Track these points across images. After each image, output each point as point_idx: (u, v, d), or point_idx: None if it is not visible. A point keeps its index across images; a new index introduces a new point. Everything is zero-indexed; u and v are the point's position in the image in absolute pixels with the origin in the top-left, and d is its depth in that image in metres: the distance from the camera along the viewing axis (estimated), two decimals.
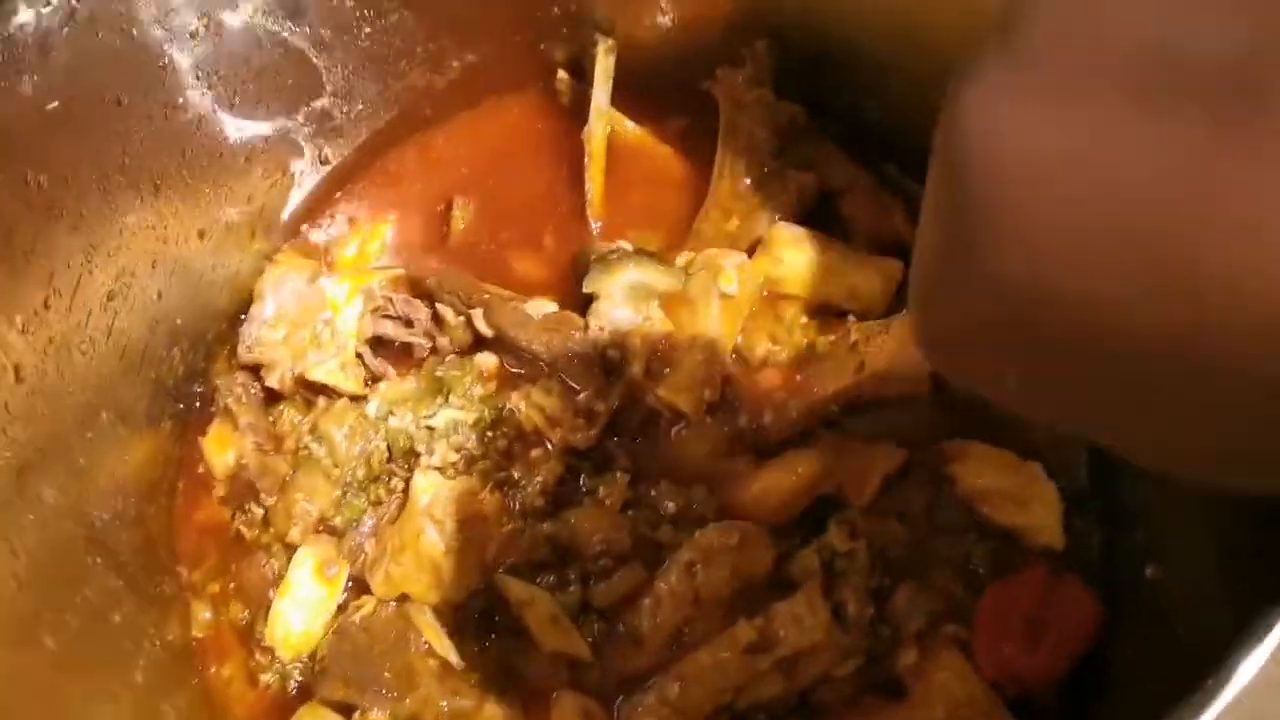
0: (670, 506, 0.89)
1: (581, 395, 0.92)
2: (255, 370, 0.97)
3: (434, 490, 0.87)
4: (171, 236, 0.91)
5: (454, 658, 0.84)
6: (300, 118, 0.98)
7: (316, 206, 1.05)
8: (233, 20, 0.86)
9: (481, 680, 0.85)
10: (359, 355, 0.97)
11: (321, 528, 0.92)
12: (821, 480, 0.89)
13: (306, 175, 1.03)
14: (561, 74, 1.06)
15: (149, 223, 0.88)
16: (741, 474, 0.91)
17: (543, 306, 0.94)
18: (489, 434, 0.92)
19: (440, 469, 0.91)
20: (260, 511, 0.94)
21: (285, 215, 1.03)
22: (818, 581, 0.85)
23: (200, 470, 0.97)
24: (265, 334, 0.96)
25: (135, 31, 0.79)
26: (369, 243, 1.04)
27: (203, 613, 0.92)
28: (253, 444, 0.95)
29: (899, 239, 0.97)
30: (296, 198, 1.03)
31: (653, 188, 1.03)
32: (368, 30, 0.96)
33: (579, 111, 1.03)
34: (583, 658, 0.85)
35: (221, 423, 0.97)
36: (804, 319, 0.94)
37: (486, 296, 0.95)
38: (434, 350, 0.97)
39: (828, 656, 0.82)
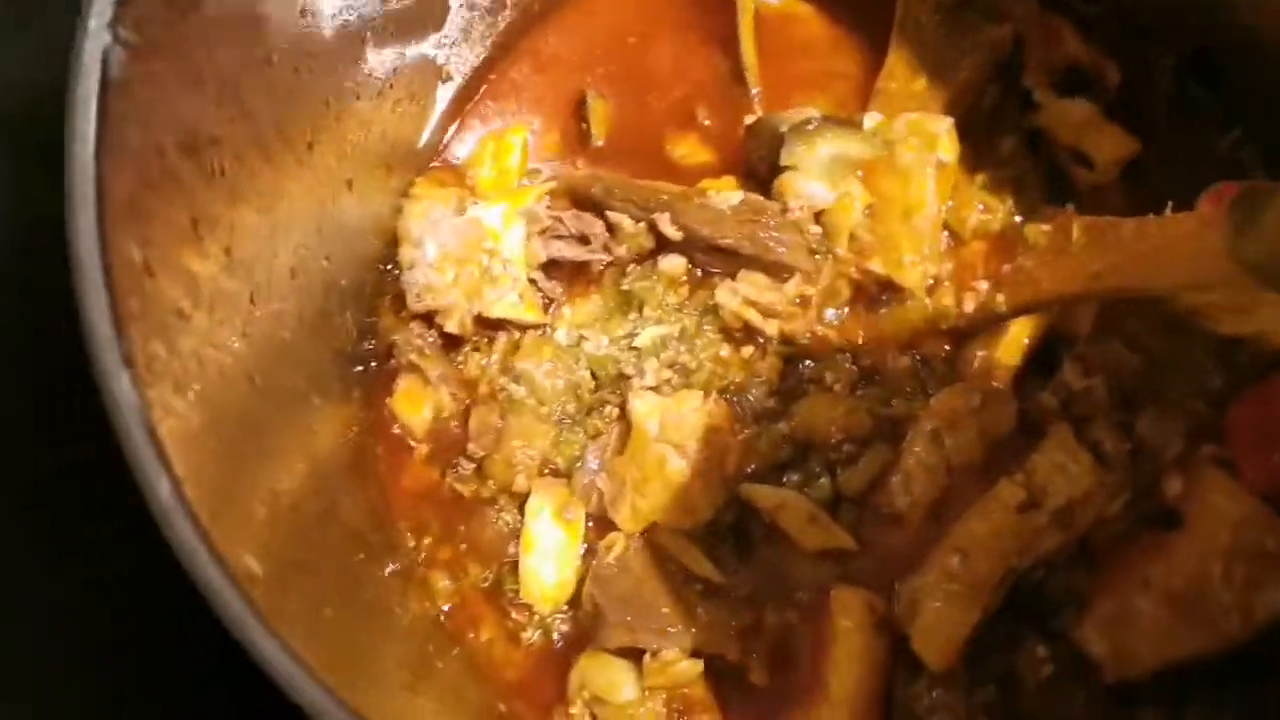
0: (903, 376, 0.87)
1: (790, 282, 0.87)
2: (428, 318, 0.91)
3: (659, 413, 0.84)
4: (328, 195, 0.84)
5: (720, 578, 0.83)
6: (425, 40, 0.89)
7: (445, 130, 0.97)
8: None
9: (752, 594, 0.84)
10: (532, 281, 0.91)
11: (546, 470, 0.88)
12: (1042, 327, 0.86)
13: (433, 99, 0.95)
14: None
15: (309, 185, 0.81)
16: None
17: (729, 197, 0.88)
18: (697, 342, 0.88)
19: (655, 388, 0.87)
20: (471, 465, 0.89)
21: (420, 143, 0.95)
22: (1067, 426, 0.83)
23: (395, 432, 0.92)
24: (434, 278, 0.89)
25: None
26: (503, 158, 0.96)
27: (441, 581, 0.88)
28: (449, 395, 0.90)
29: (1074, 62, 0.92)
30: (426, 125, 0.95)
31: (803, 52, 0.96)
32: None
33: None
34: (849, 548, 0.84)
35: (408, 379, 0.91)
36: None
37: (665, 197, 0.89)
38: (611, 263, 0.91)
39: (1099, 498, 0.82)
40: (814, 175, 0.86)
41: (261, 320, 0.73)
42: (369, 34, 0.83)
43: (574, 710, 0.82)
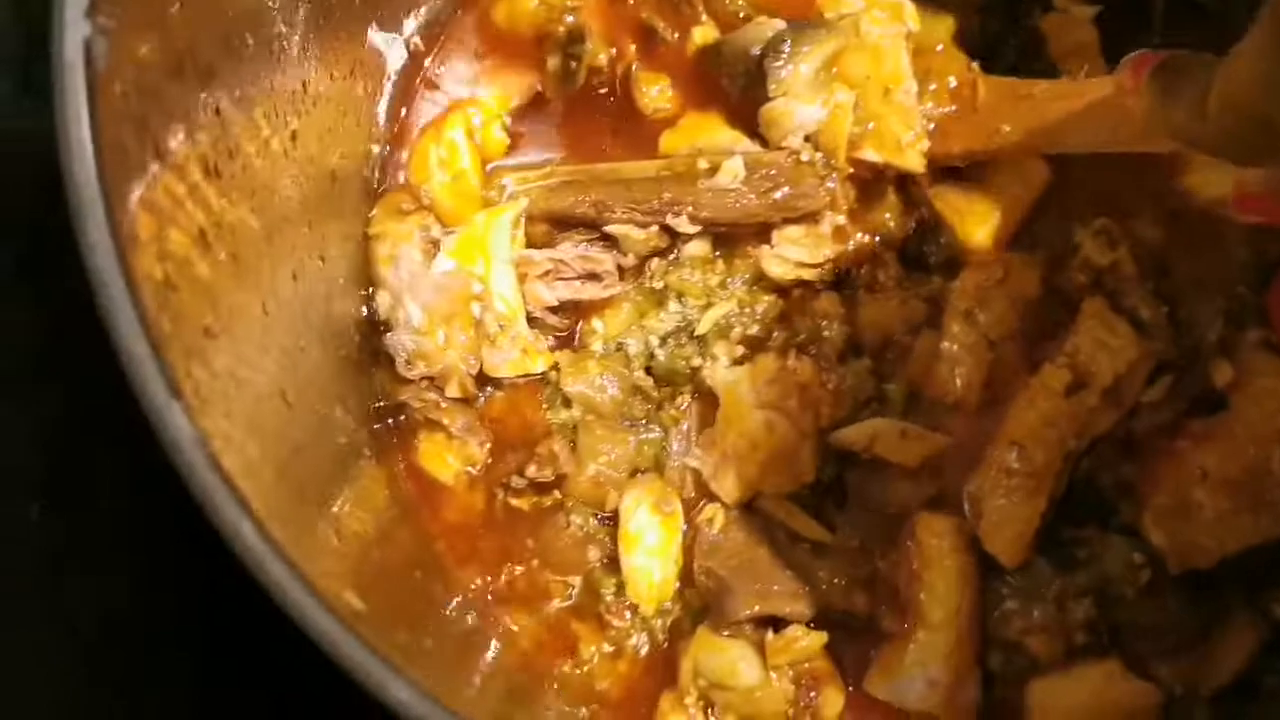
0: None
1: (822, 222, 0.83)
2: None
3: (745, 382, 0.80)
4: (314, 189, 0.77)
5: (829, 537, 0.81)
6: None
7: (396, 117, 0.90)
8: None
9: (861, 544, 0.81)
10: (532, 319, 0.85)
11: (637, 475, 0.83)
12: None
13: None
14: None
15: (296, 178, 0.74)
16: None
17: (734, 168, 0.82)
18: (757, 309, 0.84)
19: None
20: (524, 481, 0.83)
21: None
22: (1101, 299, 0.81)
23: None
24: (423, 343, 0.82)
25: None
26: (453, 161, 0.87)
27: (521, 620, 0.83)
28: (478, 444, 0.84)
29: None
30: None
31: None
32: None
33: None
34: (942, 445, 0.81)
35: (429, 436, 0.84)
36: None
37: (668, 194, 0.83)
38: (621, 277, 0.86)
39: (1144, 368, 0.80)
40: (804, 98, 0.82)
41: (277, 331, 0.66)
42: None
43: (688, 700, 0.78)
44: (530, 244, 0.85)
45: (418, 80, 0.91)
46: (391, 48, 0.87)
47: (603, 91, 0.90)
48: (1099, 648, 0.78)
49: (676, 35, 0.90)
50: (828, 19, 0.84)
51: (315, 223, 0.76)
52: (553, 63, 0.88)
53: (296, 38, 0.73)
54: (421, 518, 0.84)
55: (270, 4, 0.69)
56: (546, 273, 0.84)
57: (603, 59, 0.88)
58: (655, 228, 0.83)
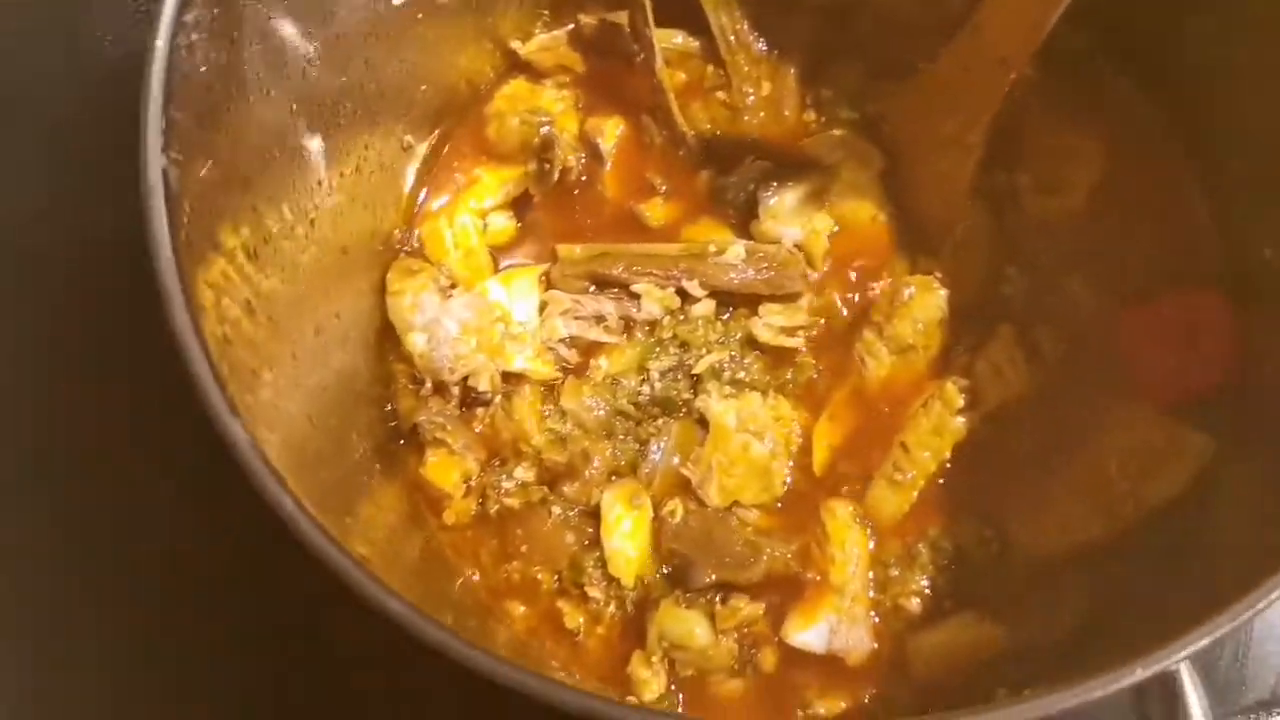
0: None
1: (801, 299, 1.06)
2: (441, 389, 1.05)
3: (734, 412, 1.01)
4: (331, 262, 0.98)
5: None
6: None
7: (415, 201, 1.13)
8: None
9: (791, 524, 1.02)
10: (548, 347, 1.06)
11: (611, 477, 1.03)
12: None
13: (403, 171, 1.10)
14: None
15: (315, 255, 0.95)
16: None
17: (737, 251, 1.05)
18: (745, 361, 1.05)
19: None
20: (514, 482, 1.03)
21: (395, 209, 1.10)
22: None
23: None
24: (460, 348, 1.03)
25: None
26: (463, 241, 1.09)
27: (518, 609, 1.02)
28: (474, 460, 1.03)
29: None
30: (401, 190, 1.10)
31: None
32: None
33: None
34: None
35: (437, 453, 1.03)
36: None
37: (684, 264, 1.05)
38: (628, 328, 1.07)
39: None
40: (786, 221, 1.07)
41: (304, 373, 0.87)
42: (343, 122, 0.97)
43: (654, 659, 0.97)
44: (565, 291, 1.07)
45: (422, 174, 1.13)
46: (398, 151, 1.09)
47: (575, 192, 1.12)
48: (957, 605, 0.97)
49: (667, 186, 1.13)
50: (811, 158, 1.08)
51: (330, 288, 0.97)
52: (531, 166, 1.11)
53: (315, 146, 0.94)
54: (429, 524, 1.04)
55: (292, 123, 0.90)
56: (565, 311, 1.06)
57: (572, 160, 1.11)
58: (673, 289, 1.06)
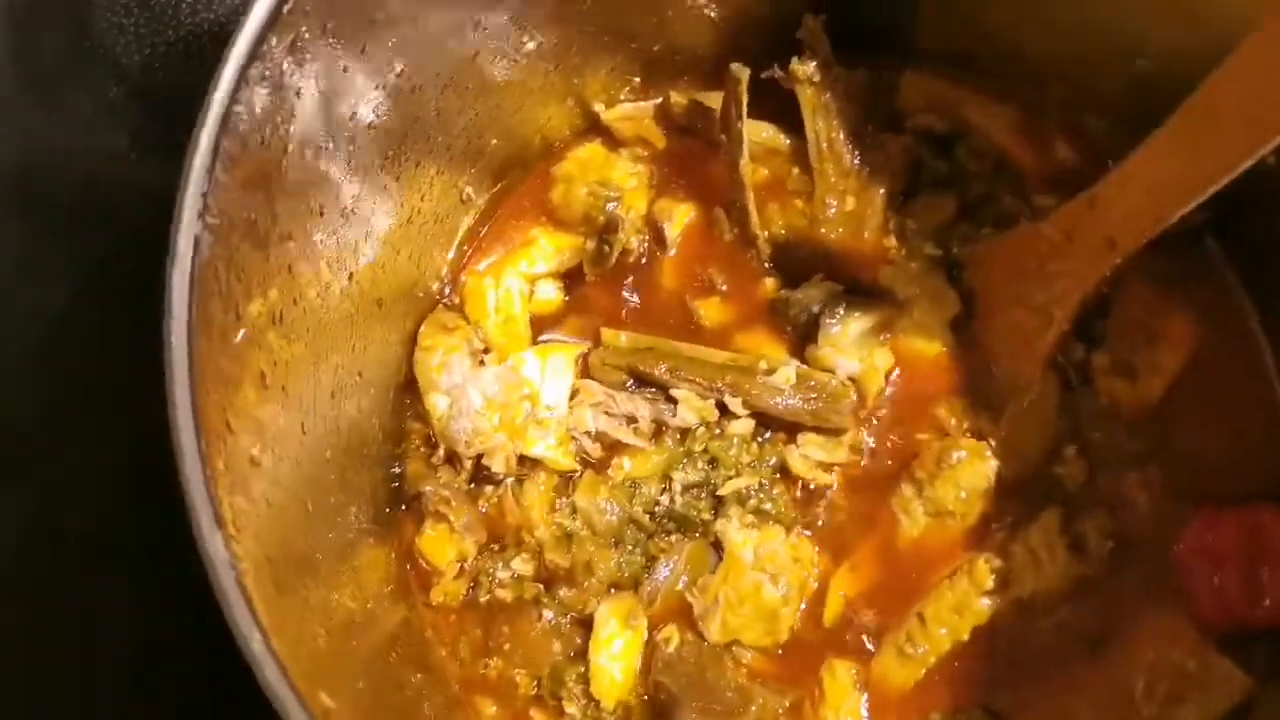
0: None
1: (845, 436, 0.99)
2: (453, 461, 1.00)
3: (752, 544, 0.95)
4: (361, 317, 0.93)
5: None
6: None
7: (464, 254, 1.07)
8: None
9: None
10: (572, 436, 1.00)
11: (610, 589, 0.98)
12: None
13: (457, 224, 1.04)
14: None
15: (347, 313, 0.90)
16: None
17: (787, 374, 0.98)
18: (774, 491, 0.98)
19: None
20: (507, 574, 0.98)
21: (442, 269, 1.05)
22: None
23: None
24: (481, 423, 0.98)
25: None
26: (506, 307, 1.04)
27: (489, 709, 0.97)
28: (473, 543, 0.98)
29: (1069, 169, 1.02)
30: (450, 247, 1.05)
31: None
32: None
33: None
34: None
35: (435, 526, 0.99)
36: None
37: (729, 378, 0.99)
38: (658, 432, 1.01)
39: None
40: (846, 352, 0.99)
41: (310, 444, 0.82)
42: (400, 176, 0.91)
43: None
44: (602, 383, 1.01)
45: (475, 227, 1.07)
46: (455, 203, 1.03)
47: (631, 275, 1.06)
48: None
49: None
50: (884, 288, 1.01)
51: (357, 343, 0.92)
52: (590, 244, 1.05)
53: (368, 199, 0.88)
54: (414, 599, 0.99)
55: (346, 177, 0.85)
56: (597, 404, 1.00)
57: (634, 243, 1.04)
58: (713, 401, 0.99)
